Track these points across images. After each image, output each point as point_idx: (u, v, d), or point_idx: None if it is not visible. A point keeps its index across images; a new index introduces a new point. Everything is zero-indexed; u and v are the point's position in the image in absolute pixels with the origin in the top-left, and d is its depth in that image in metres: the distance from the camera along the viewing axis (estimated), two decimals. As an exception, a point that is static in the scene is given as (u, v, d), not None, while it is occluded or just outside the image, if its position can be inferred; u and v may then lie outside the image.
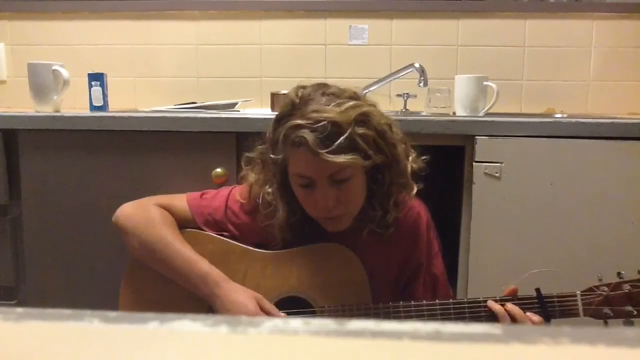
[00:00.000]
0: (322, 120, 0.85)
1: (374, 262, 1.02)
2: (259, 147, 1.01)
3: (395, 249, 1.04)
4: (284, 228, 0.99)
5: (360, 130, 0.87)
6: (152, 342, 0.22)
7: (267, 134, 0.96)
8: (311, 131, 0.85)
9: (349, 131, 0.85)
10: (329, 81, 0.97)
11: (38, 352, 0.21)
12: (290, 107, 0.90)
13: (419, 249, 1.06)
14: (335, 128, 0.85)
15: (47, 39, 1.89)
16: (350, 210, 0.96)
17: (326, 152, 0.84)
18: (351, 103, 0.88)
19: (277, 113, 0.94)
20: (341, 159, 0.85)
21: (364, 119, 0.88)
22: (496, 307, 0.93)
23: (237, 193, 1.07)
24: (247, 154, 1.03)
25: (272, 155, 0.93)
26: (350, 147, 0.86)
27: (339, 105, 0.87)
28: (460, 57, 1.83)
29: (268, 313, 0.98)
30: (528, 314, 0.92)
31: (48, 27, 1.89)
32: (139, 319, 0.23)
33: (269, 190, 0.98)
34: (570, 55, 1.81)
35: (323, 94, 0.90)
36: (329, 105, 0.87)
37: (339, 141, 0.84)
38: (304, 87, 0.92)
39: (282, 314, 0.99)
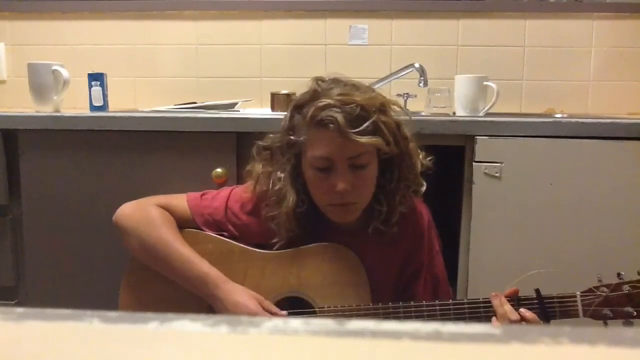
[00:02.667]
0: (351, 103, 0.89)
1: (375, 263, 1.02)
2: (271, 135, 1.01)
3: (396, 250, 1.04)
4: (291, 217, 0.98)
5: (383, 118, 0.92)
6: (152, 342, 0.22)
7: (283, 122, 0.99)
8: (340, 111, 0.89)
9: (374, 116, 0.90)
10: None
11: (38, 352, 0.21)
12: (312, 94, 0.94)
13: (420, 249, 1.06)
14: (362, 111, 0.89)
15: (47, 39, 1.89)
16: (361, 200, 0.97)
17: (353, 133, 0.88)
18: (374, 93, 0.95)
19: (294, 100, 0.97)
20: (366, 139, 0.89)
21: (385, 109, 0.93)
22: (496, 302, 0.93)
23: (241, 190, 1.07)
24: (259, 142, 1.03)
25: (292, 137, 0.95)
26: (374, 131, 0.90)
27: (363, 92, 0.93)
28: (460, 57, 1.83)
29: (269, 312, 0.98)
30: (521, 310, 0.92)
31: (48, 27, 1.89)
32: (139, 319, 0.23)
33: (281, 175, 0.98)
34: (570, 55, 1.81)
35: (345, 85, 0.94)
36: (355, 92, 0.92)
37: (366, 123, 0.89)
38: (322, 80, 0.96)
39: (283, 313, 0.99)
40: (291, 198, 0.97)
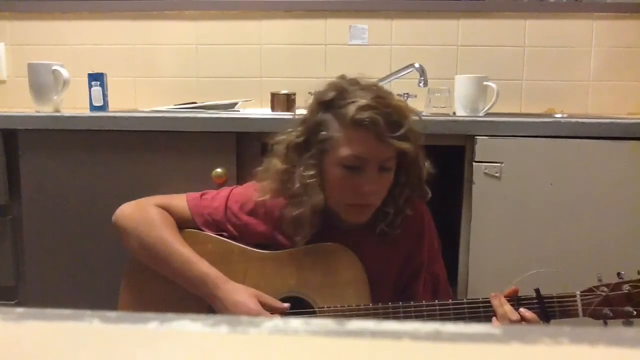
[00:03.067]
0: (389, 106, 0.90)
1: (375, 263, 1.02)
2: (289, 131, 0.99)
3: (396, 250, 1.05)
4: (317, 214, 0.97)
5: (411, 124, 0.93)
6: (152, 342, 0.22)
7: (305, 118, 0.97)
8: (380, 114, 0.89)
9: (406, 122, 0.91)
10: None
11: (38, 352, 0.21)
12: (340, 92, 0.93)
13: (421, 249, 1.06)
14: (398, 116, 0.90)
15: (47, 39, 1.89)
16: (377, 202, 0.98)
17: (392, 137, 0.89)
18: (400, 98, 0.96)
19: (319, 97, 0.96)
20: (404, 145, 0.90)
21: (408, 114, 0.94)
22: (496, 302, 0.93)
23: (241, 190, 1.07)
24: (277, 138, 1.00)
25: (323, 133, 0.94)
26: (405, 136, 0.91)
27: (394, 97, 0.94)
28: (460, 57, 1.83)
29: (270, 306, 0.98)
30: (521, 309, 0.92)
31: (48, 27, 1.89)
32: (139, 319, 0.23)
33: (307, 172, 0.95)
34: (570, 55, 1.81)
35: (366, 86, 0.95)
36: (386, 95, 0.93)
37: (403, 128, 0.90)
38: (345, 79, 0.97)
39: (284, 305, 0.98)
40: (319, 195, 0.96)
